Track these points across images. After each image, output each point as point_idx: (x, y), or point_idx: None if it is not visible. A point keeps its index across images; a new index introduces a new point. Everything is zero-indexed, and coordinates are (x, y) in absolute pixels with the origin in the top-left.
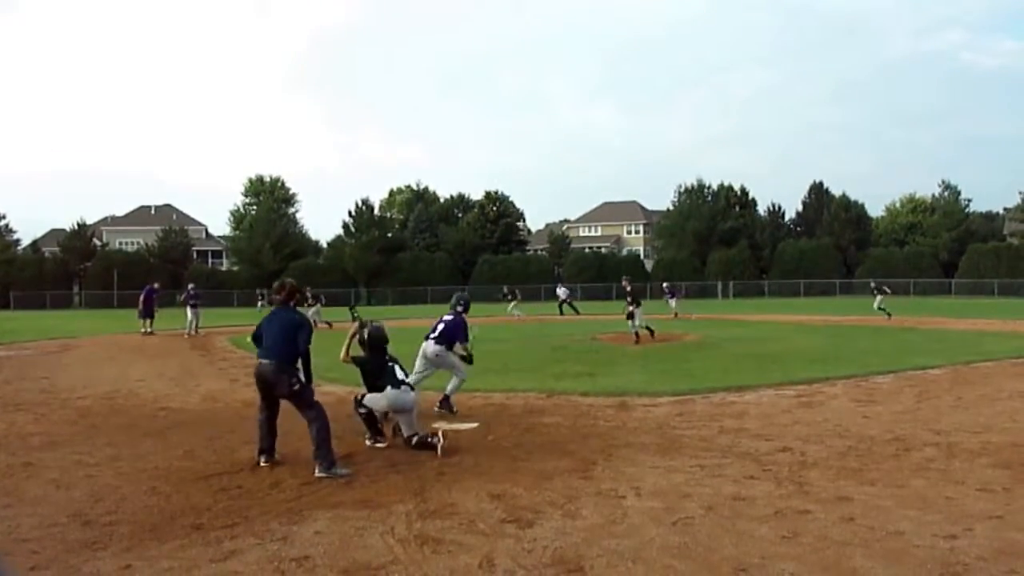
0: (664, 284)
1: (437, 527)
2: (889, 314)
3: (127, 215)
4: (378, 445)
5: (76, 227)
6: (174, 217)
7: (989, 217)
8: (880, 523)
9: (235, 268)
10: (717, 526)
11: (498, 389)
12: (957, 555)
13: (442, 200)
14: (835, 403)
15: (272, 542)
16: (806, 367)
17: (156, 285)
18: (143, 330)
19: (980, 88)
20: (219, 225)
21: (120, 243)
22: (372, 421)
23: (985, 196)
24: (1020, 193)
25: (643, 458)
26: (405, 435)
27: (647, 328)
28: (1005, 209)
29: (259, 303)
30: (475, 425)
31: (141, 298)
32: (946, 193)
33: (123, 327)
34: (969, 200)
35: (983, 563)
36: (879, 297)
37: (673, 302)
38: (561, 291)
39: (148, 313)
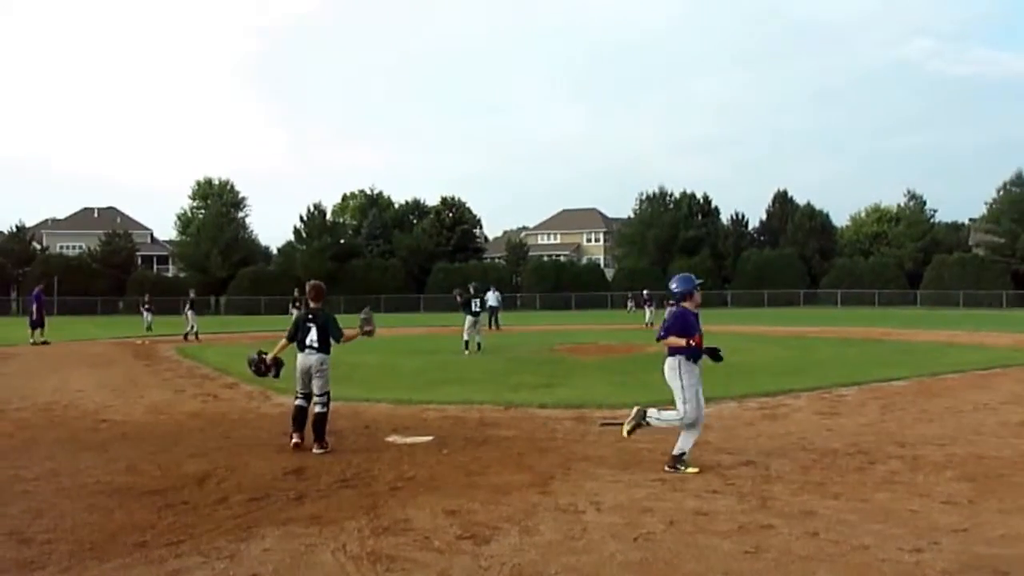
0: (644, 292)
1: (391, 544)
2: None
3: (69, 218)
4: (293, 440)
5: (14, 230)
6: (118, 220)
7: (955, 228)
8: (844, 537)
9: (181, 274)
10: (679, 541)
11: (453, 401)
12: (922, 569)
13: (397, 206)
14: (799, 416)
15: (219, 560)
16: (769, 379)
17: (41, 287)
18: (33, 340)
19: (947, 98)
20: (165, 229)
21: (61, 247)
22: (300, 416)
23: (951, 207)
24: (986, 204)
25: (603, 472)
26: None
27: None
28: (971, 220)
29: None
30: (430, 438)
31: (34, 307)
32: (912, 203)
33: (64, 335)
34: (935, 211)
35: None
36: None
37: (648, 311)
38: (492, 297)
39: (40, 322)
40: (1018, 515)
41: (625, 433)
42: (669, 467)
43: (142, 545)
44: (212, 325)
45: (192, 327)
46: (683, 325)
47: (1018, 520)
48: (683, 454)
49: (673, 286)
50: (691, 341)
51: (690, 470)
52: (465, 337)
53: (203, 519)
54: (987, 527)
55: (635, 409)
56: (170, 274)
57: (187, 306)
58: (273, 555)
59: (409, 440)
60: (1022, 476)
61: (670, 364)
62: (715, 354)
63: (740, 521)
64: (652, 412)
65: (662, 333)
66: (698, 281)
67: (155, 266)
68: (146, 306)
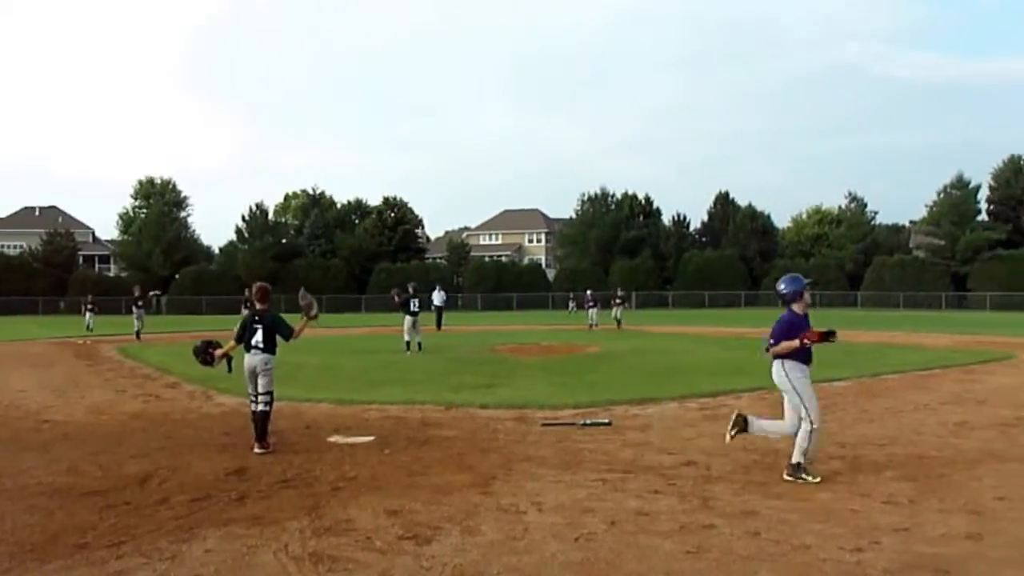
0: (588, 292)
1: (332, 544)
2: None
3: (9, 217)
4: (257, 451)
5: None
6: (60, 219)
7: (895, 230)
8: (786, 537)
9: (123, 274)
10: (620, 542)
11: (395, 401)
12: (864, 568)
13: (339, 206)
14: None
15: (160, 561)
16: (711, 379)
17: None
18: None
19: (889, 100)
20: (107, 229)
21: (2, 246)
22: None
23: (891, 209)
24: (926, 206)
25: (544, 472)
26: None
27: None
28: (911, 222)
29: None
30: (371, 439)
31: None
32: (852, 205)
33: (5, 335)
34: (876, 212)
35: None
36: None
37: (592, 312)
38: (437, 297)
39: None
40: (958, 514)
41: (728, 439)
42: (789, 476)
43: (83, 546)
44: (154, 324)
45: (138, 326)
46: (791, 332)
47: (958, 519)
48: (801, 463)
49: (781, 287)
50: (804, 339)
51: (812, 478)
52: (406, 337)
53: (145, 520)
54: (927, 526)
55: (735, 415)
56: (112, 274)
57: (135, 304)
58: (215, 556)
59: (351, 440)
60: (962, 475)
61: (777, 369)
62: (829, 337)
63: (681, 521)
64: (753, 422)
65: (772, 342)
66: (807, 281)
67: (97, 266)
68: (89, 306)
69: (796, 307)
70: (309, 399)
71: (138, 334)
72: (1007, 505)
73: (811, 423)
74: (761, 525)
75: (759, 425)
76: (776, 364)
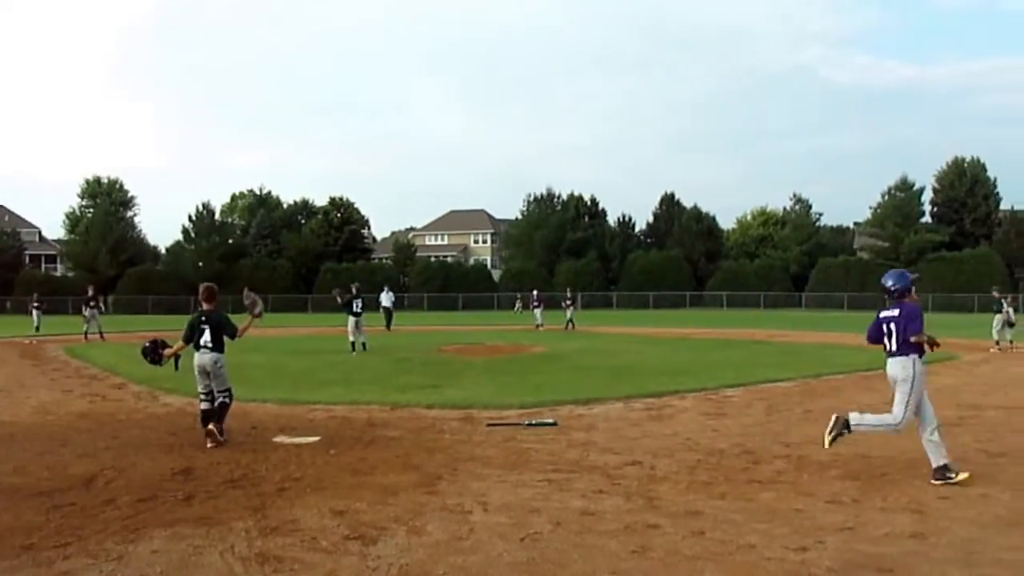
0: (534, 292)
1: (278, 545)
2: None
3: None
4: (209, 445)
5: None
6: (6, 218)
7: (840, 231)
8: (730, 537)
9: (70, 274)
10: (565, 541)
11: (340, 402)
12: (808, 567)
13: (285, 206)
14: (685, 416)
15: (107, 562)
16: (655, 380)
17: None
18: None
19: (834, 104)
20: (54, 228)
21: None
22: (207, 416)
23: (836, 211)
24: (870, 208)
25: (489, 472)
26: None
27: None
28: (855, 224)
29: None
30: (317, 439)
31: None
32: (797, 207)
33: None
34: (820, 214)
35: (834, 575)
36: None
37: (538, 313)
38: (385, 297)
39: None
40: (901, 513)
41: (827, 444)
42: (937, 480)
43: (29, 547)
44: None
45: (87, 326)
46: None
47: (901, 518)
48: (946, 464)
49: (890, 283)
50: (930, 338)
51: (960, 475)
52: (351, 338)
53: (91, 520)
54: (871, 525)
55: (834, 417)
56: (59, 273)
57: (86, 305)
58: (161, 557)
59: (296, 440)
60: (905, 475)
61: (904, 363)
62: (933, 345)
63: (626, 521)
64: (854, 417)
65: (916, 327)
66: (913, 276)
67: (43, 265)
68: (36, 305)
69: (909, 300)
70: (255, 399)
71: (86, 335)
72: (950, 504)
73: (898, 422)
74: (706, 525)
75: (861, 422)
76: (906, 359)
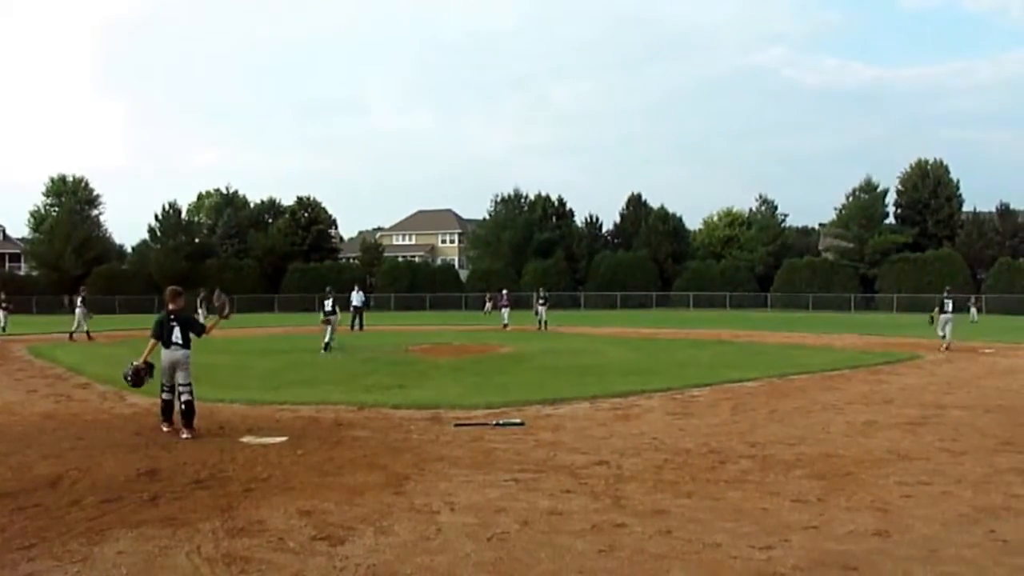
0: (503, 292)
1: (245, 545)
2: None
3: None
4: (163, 428)
5: None
6: None
7: (805, 232)
8: (697, 536)
9: (34, 273)
10: (533, 541)
11: (307, 402)
12: (773, 566)
13: (252, 205)
14: (651, 416)
15: (72, 563)
16: (622, 380)
17: None
18: None
19: (799, 105)
20: (18, 227)
21: None
22: (168, 407)
23: (801, 212)
24: (835, 209)
25: (456, 472)
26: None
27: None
28: (821, 225)
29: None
30: (284, 439)
31: None
32: (763, 207)
33: None
34: (786, 215)
35: (799, 573)
36: None
37: (506, 312)
38: (356, 297)
39: None
40: (865, 512)
41: None
42: None
43: None
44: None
45: (77, 326)
46: None
47: (866, 517)
48: None
49: None
50: None
51: None
52: (326, 339)
53: (56, 522)
54: (836, 524)
55: None
56: (23, 272)
57: (78, 303)
58: (127, 558)
59: (263, 441)
60: (869, 474)
61: None
62: None
63: (594, 520)
64: None
65: None
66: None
67: (7, 264)
68: (2, 305)
69: None
70: (221, 399)
71: (71, 335)
72: (914, 503)
73: None
74: (672, 524)
75: None
76: None
